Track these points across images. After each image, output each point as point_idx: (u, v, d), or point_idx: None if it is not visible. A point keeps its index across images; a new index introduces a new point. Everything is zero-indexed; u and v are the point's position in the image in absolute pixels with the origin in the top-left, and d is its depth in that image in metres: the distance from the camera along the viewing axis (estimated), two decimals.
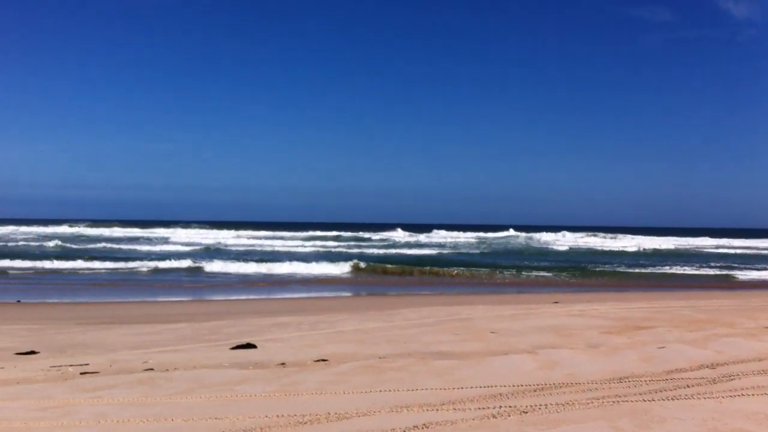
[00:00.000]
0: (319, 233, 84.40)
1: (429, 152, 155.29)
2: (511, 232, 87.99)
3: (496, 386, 9.60)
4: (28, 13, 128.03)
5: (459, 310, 20.91)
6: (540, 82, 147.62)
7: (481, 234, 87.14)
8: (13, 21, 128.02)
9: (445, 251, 62.43)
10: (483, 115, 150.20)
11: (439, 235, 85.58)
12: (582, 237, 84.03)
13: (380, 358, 12.15)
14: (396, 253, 58.63)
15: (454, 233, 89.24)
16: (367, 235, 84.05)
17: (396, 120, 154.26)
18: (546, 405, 8.43)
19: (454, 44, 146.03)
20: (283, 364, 11.80)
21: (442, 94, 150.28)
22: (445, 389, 9.43)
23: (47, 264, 44.67)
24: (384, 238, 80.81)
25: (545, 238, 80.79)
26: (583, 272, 42.58)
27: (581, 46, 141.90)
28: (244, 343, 14.19)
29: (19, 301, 25.83)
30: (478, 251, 63.38)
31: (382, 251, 60.31)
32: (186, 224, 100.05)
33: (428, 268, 43.50)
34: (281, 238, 77.65)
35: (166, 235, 79.13)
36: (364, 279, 38.65)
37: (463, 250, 63.86)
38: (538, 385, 9.72)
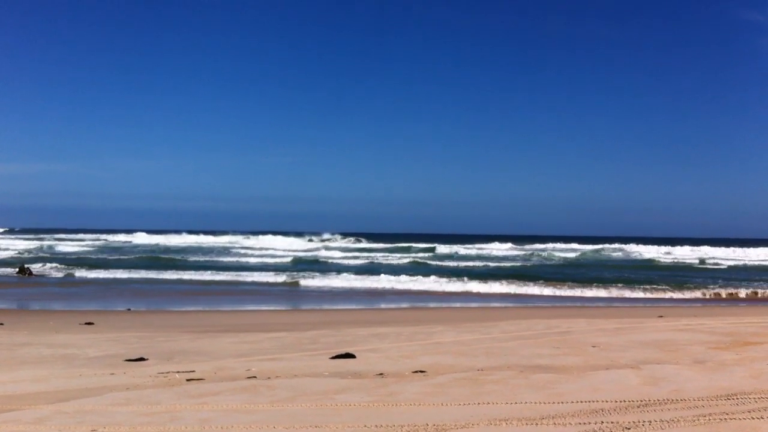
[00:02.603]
0: (402, 244, 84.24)
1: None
2: (608, 244, 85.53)
3: (597, 401, 9.42)
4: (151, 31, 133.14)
5: (558, 323, 20.58)
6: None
7: (575, 245, 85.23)
8: (135, 40, 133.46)
9: (530, 263, 61.45)
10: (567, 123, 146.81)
11: (518, 247, 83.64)
12: (687, 249, 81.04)
13: (478, 370, 12.08)
14: (497, 266, 58.14)
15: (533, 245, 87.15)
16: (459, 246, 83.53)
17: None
18: (650, 422, 8.22)
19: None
20: (381, 374, 11.89)
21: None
22: (545, 403, 9.31)
23: (152, 274, 46.45)
24: (481, 248, 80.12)
25: (645, 250, 78.26)
26: (685, 285, 41.16)
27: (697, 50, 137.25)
28: (343, 353, 14.36)
29: (129, 309, 26.87)
30: (574, 263, 62.06)
31: (479, 263, 59.90)
32: (286, 234, 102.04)
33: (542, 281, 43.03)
34: (376, 250, 78.04)
35: (266, 245, 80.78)
36: (457, 289, 38.45)
37: (551, 263, 62.66)
38: (641, 401, 9.48)
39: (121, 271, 47.54)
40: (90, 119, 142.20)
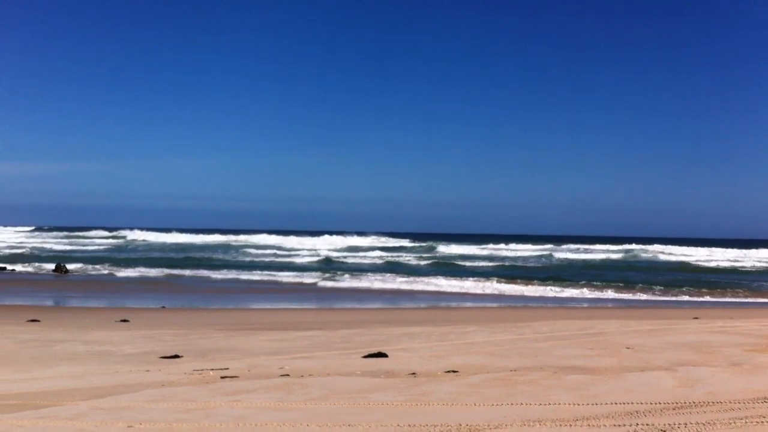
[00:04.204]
0: (430, 244, 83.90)
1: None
2: (630, 245, 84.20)
3: (632, 403, 9.35)
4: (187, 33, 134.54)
5: (592, 324, 20.44)
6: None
7: (600, 246, 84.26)
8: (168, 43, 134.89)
9: (560, 264, 60.93)
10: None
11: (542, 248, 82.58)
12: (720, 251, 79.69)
13: (511, 371, 12.04)
14: (525, 266, 57.79)
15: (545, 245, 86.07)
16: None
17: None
18: (685, 424, 8.14)
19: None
20: (413, 373, 11.90)
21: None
22: (578, 405, 9.26)
23: (185, 272, 47.01)
24: (511, 248, 79.62)
25: (677, 251, 76.95)
26: (719, 287, 40.59)
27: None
28: (375, 352, 14.39)
29: (163, 307, 27.16)
30: (603, 264, 61.36)
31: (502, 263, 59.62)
32: (315, 233, 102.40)
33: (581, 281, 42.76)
34: (404, 249, 77.98)
35: (295, 245, 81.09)
36: (487, 290, 38.32)
37: (581, 264, 62.00)
38: (676, 403, 9.39)
39: (154, 269, 48.19)
40: (116, 119, 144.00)
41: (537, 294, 36.70)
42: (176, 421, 8.58)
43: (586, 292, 37.46)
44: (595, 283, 41.52)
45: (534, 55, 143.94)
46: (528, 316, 24.05)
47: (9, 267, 48.03)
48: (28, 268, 48.64)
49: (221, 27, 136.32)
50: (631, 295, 36.82)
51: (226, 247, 76.56)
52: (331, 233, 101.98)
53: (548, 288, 38.96)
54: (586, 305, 31.60)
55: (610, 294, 37.04)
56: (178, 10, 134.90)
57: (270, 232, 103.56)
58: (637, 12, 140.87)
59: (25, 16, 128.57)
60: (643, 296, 36.31)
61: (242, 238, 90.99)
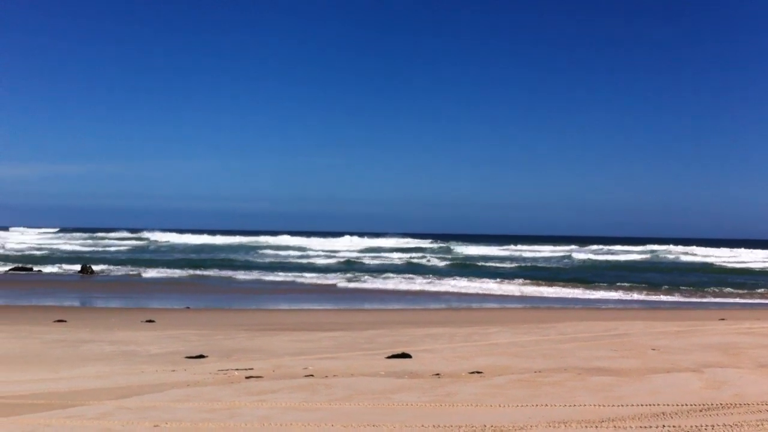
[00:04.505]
0: (453, 244, 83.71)
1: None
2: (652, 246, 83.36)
3: (658, 405, 9.28)
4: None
5: (616, 325, 20.31)
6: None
7: (621, 247, 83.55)
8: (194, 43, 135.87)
9: (583, 265, 60.53)
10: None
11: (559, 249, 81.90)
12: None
13: (536, 372, 12.00)
14: (547, 267, 57.46)
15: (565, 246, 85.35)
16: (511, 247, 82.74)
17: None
18: (712, 426, 8.07)
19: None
20: (437, 374, 11.89)
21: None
22: (604, 406, 9.21)
23: (208, 273, 47.37)
24: (534, 249, 79.21)
25: (701, 252, 76.12)
26: (746, 288, 40.15)
27: None
28: (399, 352, 14.39)
29: (188, 308, 27.33)
30: (627, 266, 60.82)
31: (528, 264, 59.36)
32: (340, 234, 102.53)
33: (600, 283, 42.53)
34: (428, 250, 77.83)
35: (319, 246, 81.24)
36: (510, 291, 38.19)
37: (604, 265, 61.54)
38: (703, 404, 9.31)
39: (177, 270, 48.57)
40: (137, 121, 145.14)
41: (559, 295, 36.50)
42: (202, 421, 8.63)
43: (609, 294, 37.24)
44: (618, 284, 41.25)
45: (546, 54, 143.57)
46: (551, 317, 23.94)
47: (35, 268, 48.56)
48: (53, 269, 49.14)
49: (241, 29, 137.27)
50: (655, 296, 36.54)
51: (246, 248, 76.90)
52: (350, 234, 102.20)
53: (571, 289, 38.76)
54: (609, 306, 31.39)
55: (633, 295, 36.77)
56: (195, 12, 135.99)
57: (290, 233, 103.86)
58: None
59: (46, 19, 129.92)
60: (668, 297, 36.02)
61: (263, 239, 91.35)
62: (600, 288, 39.49)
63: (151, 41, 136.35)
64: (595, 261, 64.45)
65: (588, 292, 38.01)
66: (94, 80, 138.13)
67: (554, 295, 36.39)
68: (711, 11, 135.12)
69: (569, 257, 67.83)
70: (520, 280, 42.79)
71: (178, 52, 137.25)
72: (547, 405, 9.29)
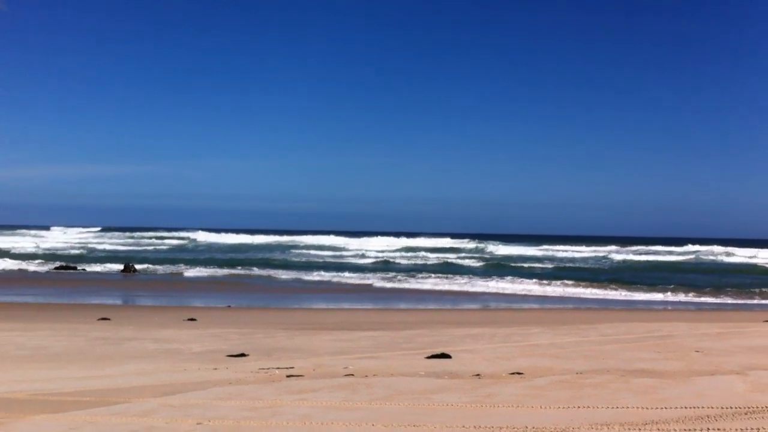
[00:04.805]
0: (494, 244, 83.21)
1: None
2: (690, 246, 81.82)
3: (702, 407, 9.15)
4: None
5: (659, 326, 20.07)
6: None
7: (658, 247, 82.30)
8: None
9: (612, 265, 59.77)
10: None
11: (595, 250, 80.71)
12: None
13: (577, 373, 11.90)
14: (586, 267, 56.90)
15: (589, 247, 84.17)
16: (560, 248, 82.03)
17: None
18: (758, 429, 7.95)
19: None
20: (477, 375, 11.85)
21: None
22: (647, 408, 9.10)
23: (249, 272, 47.78)
24: (576, 249, 78.46)
25: (741, 253, 74.59)
26: None
27: None
28: (439, 353, 14.37)
29: (229, 306, 27.59)
30: (667, 266, 59.91)
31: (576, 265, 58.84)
32: (382, 234, 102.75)
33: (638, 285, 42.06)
34: (464, 251, 77.60)
35: (360, 246, 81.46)
36: (550, 292, 37.90)
37: (643, 265, 60.58)
38: (748, 408, 9.15)
39: (218, 269, 49.12)
40: (176, 121, 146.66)
41: (599, 296, 36.12)
42: (244, 419, 8.70)
43: (650, 295, 36.75)
44: (660, 285, 40.73)
45: (594, 52, 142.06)
46: (592, 318, 23.73)
47: (80, 267, 49.38)
48: (97, 267, 49.94)
49: (281, 27, 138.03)
50: (698, 297, 36.00)
51: (283, 248, 77.48)
52: (384, 234, 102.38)
53: (610, 291, 38.36)
54: (651, 308, 31.02)
55: (675, 296, 36.26)
56: (229, 12, 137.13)
57: (325, 232, 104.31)
58: None
59: (88, 19, 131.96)
60: (711, 299, 35.46)
61: (299, 239, 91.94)
62: (641, 289, 39.02)
63: (186, 42, 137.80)
64: (635, 261, 63.64)
65: (629, 293, 37.58)
66: (134, 81, 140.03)
67: (594, 296, 36.03)
68: None
69: (607, 257, 67.13)
70: (559, 281, 42.48)
71: (213, 52, 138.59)
72: (589, 407, 9.21)
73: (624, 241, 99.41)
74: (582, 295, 36.33)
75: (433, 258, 63.67)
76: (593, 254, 72.20)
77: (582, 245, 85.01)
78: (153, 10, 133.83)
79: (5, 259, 53.28)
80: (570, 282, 42.27)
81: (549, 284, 41.11)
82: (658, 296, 36.28)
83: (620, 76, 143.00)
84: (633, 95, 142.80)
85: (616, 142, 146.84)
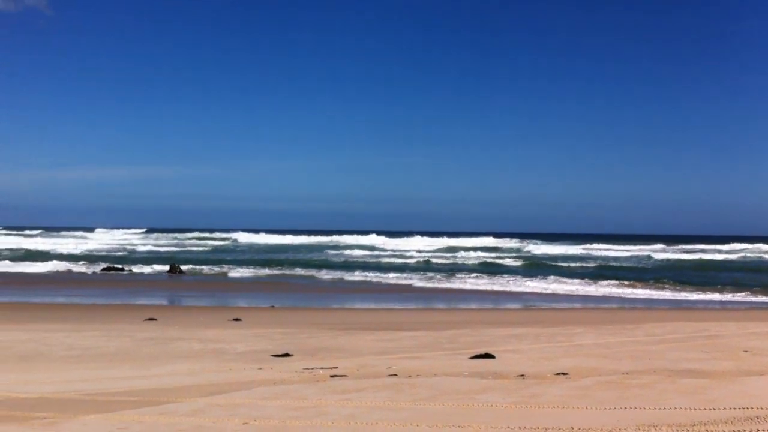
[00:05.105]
0: (534, 243, 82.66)
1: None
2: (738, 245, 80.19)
3: (751, 408, 8.99)
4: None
5: (707, 326, 19.77)
6: None
7: (703, 246, 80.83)
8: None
9: (655, 264, 58.86)
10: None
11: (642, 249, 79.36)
12: None
13: (623, 374, 11.78)
14: (630, 267, 56.19)
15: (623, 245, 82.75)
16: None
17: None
18: None
19: None
20: (522, 375, 11.79)
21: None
22: (695, 409, 8.97)
23: (291, 272, 48.18)
24: (626, 249, 77.47)
25: None
26: None
27: None
28: (483, 353, 14.34)
29: (272, 306, 27.81)
30: (710, 265, 58.88)
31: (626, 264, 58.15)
32: (426, 234, 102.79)
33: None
34: (502, 249, 77.19)
35: (401, 246, 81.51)
36: (593, 292, 37.52)
37: (688, 264, 59.58)
38: None
39: (261, 269, 49.59)
40: (220, 122, 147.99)
41: (643, 296, 35.63)
42: (290, 419, 8.77)
43: (696, 294, 36.15)
44: (705, 284, 40.09)
45: (635, 51, 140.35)
46: (637, 318, 23.46)
47: (126, 268, 50.15)
48: (143, 269, 50.67)
49: (321, 28, 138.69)
50: (746, 296, 35.35)
51: (324, 248, 77.96)
52: (422, 234, 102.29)
53: (655, 290, 37.83)
54: (697, 307, 30.55)
55: (723, 296, 35.63)
56: (282, 12, 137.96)
57: (366, 232, 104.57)
58: None
59: (138, 22, 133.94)
60: (760, 298, 34.78)
61: (340, 239, 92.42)
62: (687, 288, 38.45)
63: (231, 43, 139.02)
64: (679, 260, 62.77)
65: (674, 292, 37.04)
66: (179, 83, 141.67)
67: (638, 296, 35.56)
68: None
69: (650, 256, 66.27)
70: (602, 281, 42.04)
71: (252, 52, 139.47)
72: (636, 408, 9.11)
73: (666, 240, 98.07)
74: (625, 295, 35.89)
75: (474, 257, 63.48)
76: (636, 253, 71.36)
77: (626, 244, 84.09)
78: (199, 14, 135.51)
79: (53, 261, 54.34)
80: (614, 282, 41.84)
81: (591, 283, 40.74)
82: (705, 295, 35.67)
83: (670, 74, 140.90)
84: (680, 92, 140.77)
85: (659, 140, 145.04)
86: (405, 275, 46.20)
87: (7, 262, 53.86)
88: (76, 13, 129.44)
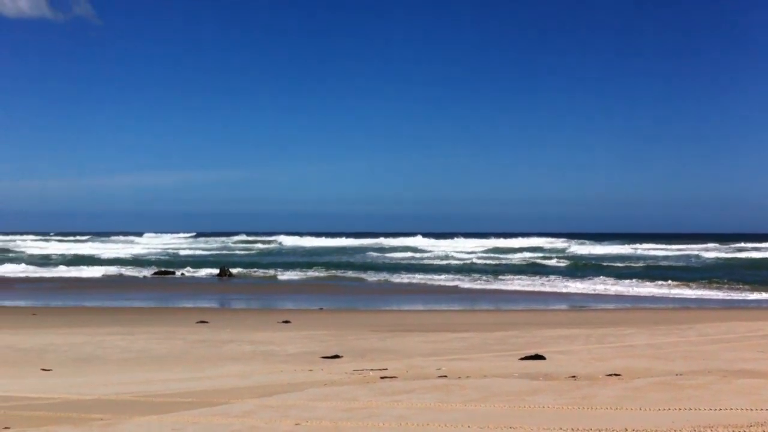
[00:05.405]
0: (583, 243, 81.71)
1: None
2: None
3: None
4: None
5: (762, 325, 19.39)
6: None
7: (754, 244, 78.90)
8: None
9: (704, 264, 57.66)
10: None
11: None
12: None
13: (677, 374, 11.62)
14: (681, 266, 55.25)
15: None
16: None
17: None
18: None
19: None
20: (573, 376, 11.70)
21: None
22: (752, 410, 8.82)
23: (339, 273, 48.48)
24: (680, 248, 76.13)
25: None
26: None
27: None
28: (533, 354, 14.26)
29: (321, 309, 27.98)
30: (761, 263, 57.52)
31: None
32: (472, 235, 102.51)
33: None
34: (548, 249, 76.52)
35: (447, 247, 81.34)
36: (641, 292, 36.98)
37: (739, 263, 58.23)
38: None
39: (308, 272, 49.91)
40: (264, 127, 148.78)
41: (692, 296, 34.96)
42: (341, 420, 8.83)
43: (750, 294, 35.33)
44: (758, 283, 39.20)
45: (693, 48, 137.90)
46: (689, 318, 23.09)
47: (178, 272, 50.88)
48: (194, 272, 51.35)
49: (364, 33, 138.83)
50: None
51: (369, 250, 78.14)
52: (473, 236, 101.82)
53: (706, 290, 37.11)
54: (751, 306, 29.94)
55: None
56: (311, 17, 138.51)
57: (412, 234, 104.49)
58: None
59: (181, 27, 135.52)
60: None
61: (385, 241, 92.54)
62: (739, 288, 37.66)
63: (268, 47, 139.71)
64: (731, 259, 61.50)
65: (726, 292, 36.31)
66: (223, 89, 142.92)
67: (688, 296, 34.94)
68: None
69: (698, 256, 65.09)
70: (650, 281, 41.42)
71: (290, 55, 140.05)
72: (690, 409, 8.99)
73: (716, 238, 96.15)
74: (674, 295, 35.28)
75: (519, 258, 63.03)
76: (685, 252, 70.15)
77: (674, 243, 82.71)
78: (233, 13, 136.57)
79: (105, 265, 55.42)
80: (662, 281, 41.19)
81: (640, 284, 40.17)
82: (759, 295, 34.88)
83: (725, 67, 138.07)
84: (727, 87, 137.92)
85: (704, 136, 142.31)
86: (451, 276, 46.09)
87: (62, 267, 55.05)
88: (126, 21, 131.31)
